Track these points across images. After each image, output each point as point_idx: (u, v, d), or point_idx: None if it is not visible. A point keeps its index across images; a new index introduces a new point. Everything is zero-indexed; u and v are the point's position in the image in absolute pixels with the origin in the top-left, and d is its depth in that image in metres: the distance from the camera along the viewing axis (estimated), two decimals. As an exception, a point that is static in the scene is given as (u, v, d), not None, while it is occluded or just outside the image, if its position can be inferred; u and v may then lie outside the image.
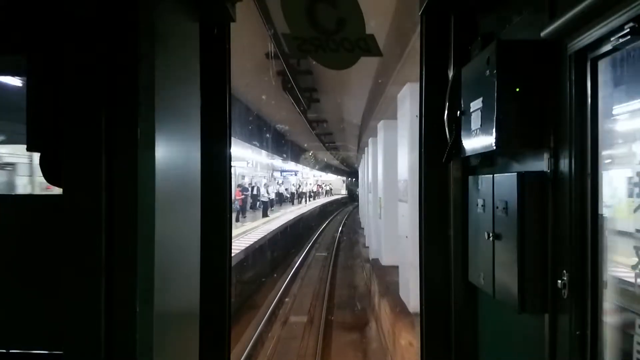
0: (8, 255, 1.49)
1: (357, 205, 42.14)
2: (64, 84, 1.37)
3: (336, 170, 67.40)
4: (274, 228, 21.33)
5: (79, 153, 1.37)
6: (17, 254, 1.50)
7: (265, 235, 18.85)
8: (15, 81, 1.95)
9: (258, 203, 28.85)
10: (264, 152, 26.76)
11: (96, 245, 1.34)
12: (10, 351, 1.48)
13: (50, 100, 1.44)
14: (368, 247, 18.85)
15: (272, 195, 32.27)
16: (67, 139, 1.38)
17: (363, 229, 25.05)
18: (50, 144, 1.45)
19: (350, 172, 73.78)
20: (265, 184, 30.87)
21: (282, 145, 30.54)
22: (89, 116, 1.36)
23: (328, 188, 68.11)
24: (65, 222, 1.36)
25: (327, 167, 57.43)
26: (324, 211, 45.87)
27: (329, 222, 41.19)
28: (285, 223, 24.33)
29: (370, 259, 16.49)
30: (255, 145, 22.33)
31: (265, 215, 26.75)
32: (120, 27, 1.37)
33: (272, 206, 31.03)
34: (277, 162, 37.95)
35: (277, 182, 39.20)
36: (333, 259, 21.70)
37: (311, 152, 38.42)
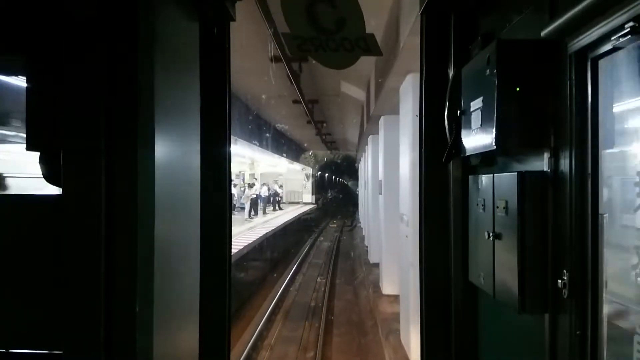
0: (8, 255, 1.49)
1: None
2: (64, 84, 1.37)
3: (296, 152, 31.50)
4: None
5: (79, 153, 1.37)
6: (17, 254, 1.49)
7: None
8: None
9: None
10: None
11: (96, 245, 1.34)
12: (11, 351, 1.48)
13: (50, 100, 1.44)
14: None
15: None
16: (67, 139, 1.37)
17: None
18: (50, 144, 1.45)
19: (331, 162, 38.05)
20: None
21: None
22: (88, 116, 1.36)
23: (272, 191, 26.32)
24: (65, 222, 1.36)
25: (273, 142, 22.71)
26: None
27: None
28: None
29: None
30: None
31: None
32: (120, 28, 1.37)
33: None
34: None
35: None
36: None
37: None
